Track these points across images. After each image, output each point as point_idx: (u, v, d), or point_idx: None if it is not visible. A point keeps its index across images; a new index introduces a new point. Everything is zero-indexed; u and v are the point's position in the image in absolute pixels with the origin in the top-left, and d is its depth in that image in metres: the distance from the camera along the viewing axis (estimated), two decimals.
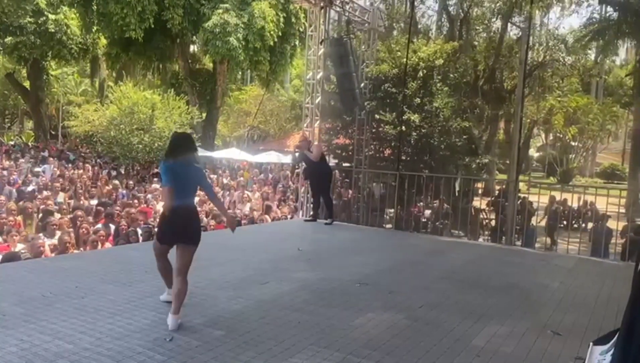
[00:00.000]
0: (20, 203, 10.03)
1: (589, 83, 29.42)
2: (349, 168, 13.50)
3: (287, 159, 23.42)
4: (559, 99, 21.90)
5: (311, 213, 10.47)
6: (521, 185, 12.71)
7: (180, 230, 4.16)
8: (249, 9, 21.14)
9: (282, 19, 22.18)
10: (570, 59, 19.29)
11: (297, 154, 10.45)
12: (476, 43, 17.93)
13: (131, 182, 15.46)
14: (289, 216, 12.74)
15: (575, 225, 15.08)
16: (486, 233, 12.68)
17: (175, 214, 4.12)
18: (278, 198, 15.58)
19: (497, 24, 18.05)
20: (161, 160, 4.36)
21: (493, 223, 13.05)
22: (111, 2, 19.97)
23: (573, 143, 35.22)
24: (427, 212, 12.65)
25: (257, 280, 5.53)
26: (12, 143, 30.78)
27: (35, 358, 3.39)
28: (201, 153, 23.61)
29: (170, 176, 4.12)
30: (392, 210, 11.56)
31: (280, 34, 22.26)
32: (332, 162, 13.78)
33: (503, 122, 21.18)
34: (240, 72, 27.78)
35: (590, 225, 13.04)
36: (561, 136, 34.22)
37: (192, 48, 27.57)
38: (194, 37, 23.76)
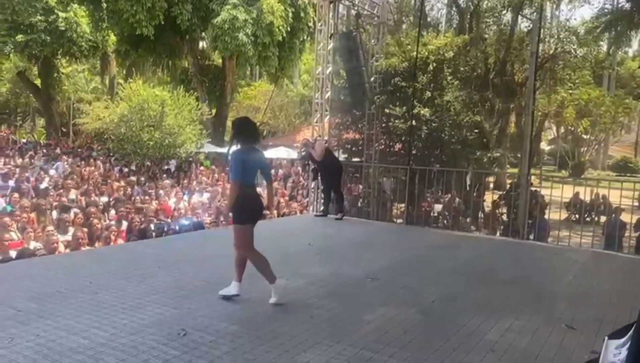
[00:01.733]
0: (34, 200, 10.13)
1: (601, 75, 29.09)
2: (359, 162, 13.46)
3: (297, 155, 23.44)
4: (570, 91, 21.61)
5: (322, 208, 10.46)
6: (533, 178, 12.62)
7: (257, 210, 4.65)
8: (258, 4, 21.11)
9: (290, 14, 22.14)
10: (582, 51, 19.05)
11: (303, 153, 10.45)
12: (486, 36, 17.76)
13: (142, 178, 15.55)
14: (299, 212, 12.76)
15: (588, 219, 14.95)
16: (498, 227, 12.61)
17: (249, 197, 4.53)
18: (288, 193, 15.61)
19: (508, 16, 17.86)
20: (231, 150, 4.58)
21: (505, 217, 12.97)
22: None
23: (585, 136, 34.87)
24: (438, 206, 12.61)
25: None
26: (24, 140, 31.05)
27: (51, 353, 3.43)
28: (211, 148, 23.75)
29: (242, 165, 4.46)
30: (403, 205, 11.53)
31: (289, 29, 22.22)
32: (342, 157, 13.76)
33: (514, 115, 20.98)
34: (249, 68, 27.81)
35: (603, 219, 12.93)
36: (573, 129, 33.90)
37: (201, 44, 27.61)
38: (203, 33, 23.78)
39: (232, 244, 4.64)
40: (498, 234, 11.62)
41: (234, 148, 4.56)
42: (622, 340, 3.12)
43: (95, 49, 28.26)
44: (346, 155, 14.40)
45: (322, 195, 10.50)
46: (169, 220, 9.91)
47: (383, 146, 13.85)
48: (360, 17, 12.12)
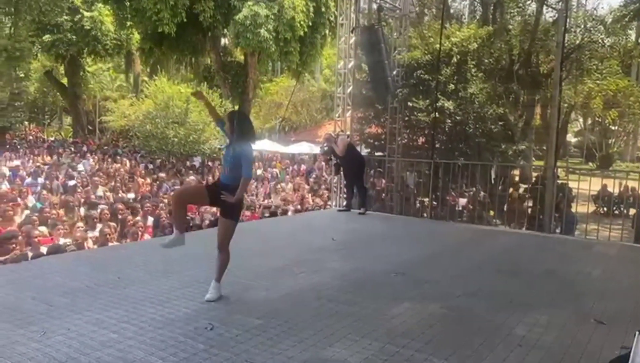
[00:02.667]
0: (62, 196, 10.34)
1: (630, 65, 28.37)
2: (381, 157, 13.40)
3: (320, 149, 23.45)
4: (597, 82, 21.13)
5: (344, 203, 10.46)
6: (559, 171, 12.40)
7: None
8: (279, 0, 21.14)
9: (312, 9, 22.13)
10: (610, 40, 18.64)
11: (325, 148, 10.43)
12: (511, 27, 17.48)
13: (163, 175, 15.71)
14: (322, 207, 12.77)
15: (617, 212, 14.67)
16: (524, 220, 12.44)
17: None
18: (310, 188, 15.64)
19: (533, 6, 17.55)
20: (249, 145, 4.53)
21: (530, 210, 12.79)
22: None
23: (613, 127, 34.12)
24: (462, 200, 12.49)
25: (292, 270, 5.57)
26: (52, 138, 31.70)
27: (82, 346, 3.50)
28: None
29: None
30: (427, 199, 11.46)
31: (310, 24, 22.22)
32: (364, 151, 13.71)
33: (540, 107, 20.66)
34: (270, 64, 27.90)
35: (632, 211, 12.67)
36: (600, 120, 33.18)
37: (224, 41, 27.79)
38: (225, 30, 23.92)
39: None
40: (523, 227, 11.47)
41: (244, 142, 4.47)
42: None
43: (120, 47, 28.72)
44: (369, 149, 14.33)
45: (345, 190, 10.49)
46: (194, 216, 10.01)
47: (406, 140, 13.75)
48: (382, 11, 12.03)
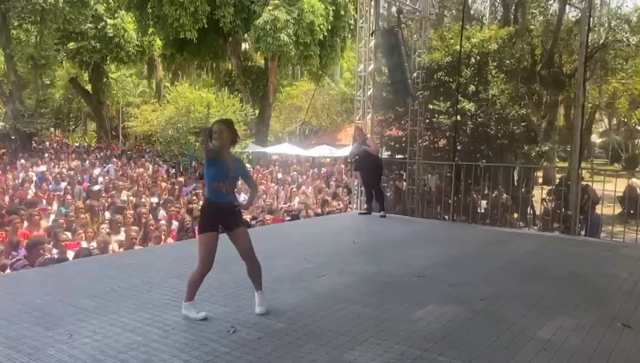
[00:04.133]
0: (88, 201, 10.51)
1: None
2: (402, 159, 13.34)
3: (340, 152, 23.45)
4: (622, 81, 20.79)
5: (365, 206, 10.43)
6: (584, 172, 12.22)
7: None
8: (299, 4, 21.24)
9: (331, 12, 22.17)
10: (635, 39, 18.30)
11: (356, 148, 10.25)
12: (532, 27, 17.29)
13: (181, 179, 15.87)
14: (342, 210, 12.76)
15: None
16: (548, 223, 12.28)
17: None
18: (331, 191, 15.64)
19: (555, 6, 17.36)
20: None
21: (555, 212, 12.62)
22: (166, 4, 20.53)
23: (639, 127, 33.49)
24: (484, 202, 12.36)
25: (314, 273, 5.58)
26: (77, 144, 32.27)
27: (108, 349, 3.56)
28: (254, 148, 24.05)
29: None
30: (449, 201, 11.37)
31: (329, 27, 22.27)
32: (385, 154, 13.67)
33: (563, 107, 20.37)
34: (291, 68, 28.02)
35: None
36: (626, 120, 32.64)
37: (244, 46, 28.01)
38: (245, 35, 24.10)
39: (244, 253, 4.41)
40: (547, 230, 11.31)
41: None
42: None
43: (142, 54, 29.15)
44: (390, 152, 14.29)
45: (364, 193, 10.45)
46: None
47: (427, 143, 13.67)
48: (402, 13, 12.00)
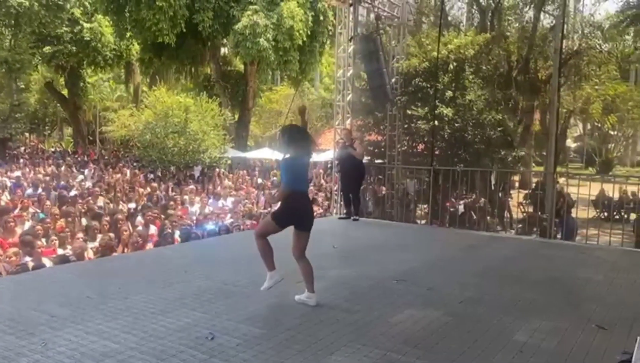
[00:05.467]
0: (64, 207, 10.34)
1: (628, 70, 28.48)
2: (382, 164, 13.42)
3: (319, 157, 23.46)
4: (596, 87, 21.21)
5: (344, 210, 10.44)
6: (559, 177, 12.40)
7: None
8: (278, 9, 21.25)
9: (310, 18, 22.22)
10: (607, 45, 18.74)
11: (341, 150, 10.26)
12: (508, 33, 17.57)
13: (163, 185, 15.73)
14: (321, 215, 12.76)
15: (617, 216, 14.66)
16: (525, 226, 12.45)
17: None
18: (311, 197, 15.64)
19: (530, 13, 17.67)
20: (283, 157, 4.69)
21: (531, 216, 12.80)
22: (143, 8, 20.36)
23: (612, 132, 34.21)
24: (463, 207, 12.48)
25: (293, 278, 5.54)
26: (52, 149, 31.76)
27: (84, 357, 3.50)
28: (234, 153, 23.94)
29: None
30: (427, 206, 11.46)
31: (309, 33, 22.31)
32: (364, 159, 13.73)
33: (539, 113, 20.70)
34: (270, 73, 27.98)
35: (633, 216, 12.67)
36: (599, 125, 33.24)
37: (223, 50, 27.90)
38: (225, 39, 24.02)
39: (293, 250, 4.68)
40: (523, 233, 11.47)
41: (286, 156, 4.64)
42: None
43: (120, 58, 28.80)
44: (369, 157, 14.37)
45: (342, 197, 10.43)
46: (192, 224, 10.02)
47: (406, 148, 13.78)
48: (380, 19, 12.10)
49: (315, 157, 23.99)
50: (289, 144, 4.60)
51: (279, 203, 4.61)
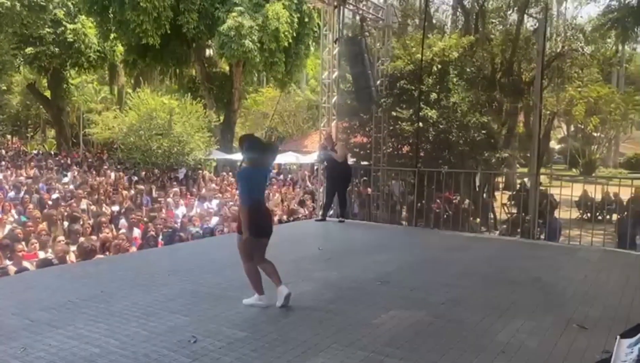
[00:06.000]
0: (45, 210, 10.22)
1: (610, 72, 28.89)
2: (367, 166, 13.45)
3: (306, 159, 23.47)
4: (579, 89, 21.49)
5: (321, 212, 10.38)
6: (543, 178, 12.54)
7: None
8: (263, 11, 21.21)
9: (296, 20, 22.20)
10: (589, 48, 18.96)
11: (322, 153, 10.29)
12: (492, 36, 17.72)
13: (147, 187, 15.61)
14: (307, 217, 12.75)
15: (600, 217, 14.83)
16: (509, 227, 12.55)
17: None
18: (298, 199, 15.62)
19: (514, 16, 17.83)
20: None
21: (515, 217, 12.91)
22: (127, 9, 20.19)
23: (595, 134, 34.62)
24: (447, 208, 12.54)
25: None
26: (35, 152, 31.37)
27: (63, 362, 3.46)
28: (220, 155, 23.85)
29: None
30: (412, 207, 11.51)
31: (294, 34, 22.29)
32: (350, 161, 13.76)
33: (522, 115, 20.92)
34: (256, 74, 27.90)
35: (615, 217, 12.82)
36: (582, 127, 33.66)
37: (208, 52, 27.76)
38: (210, 40, 23.91)
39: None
40: (507, 234, 11.56)
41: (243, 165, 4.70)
42: (634, 339, 3.10)
43: (104, 60, 28.55)
44: (354, 159, 14.39)
45: (325, 198, 10.41)
46: (177, 227, 9.96)
47: (391, 149, 13.83)
48: (365, 21, 12.14)
49: (302, 159, 24.06)
50: (247, 153, 4.66)
51: (245, 218, 4.57)
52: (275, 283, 4.65)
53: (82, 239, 7.97)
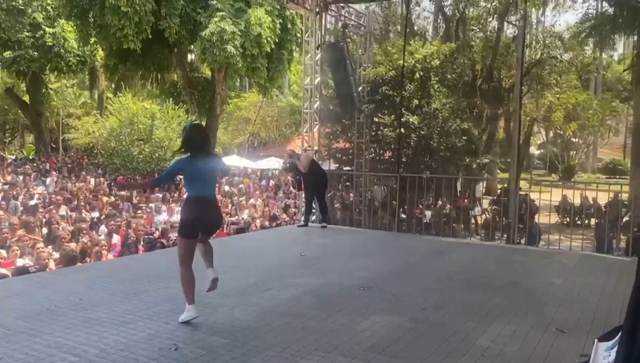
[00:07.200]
0: (23, 217, 10.06)
1: (588, 79, 29.36)
2: (349, 171, 13.49)
3: (281, 165, 23.44)
4: (557, 96, 21.83)
5: (303, 217, 10.39)
6: (523, 183, 12.67)
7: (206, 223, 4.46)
8: (246, 17, 21.17)
9: (278, 26, 22.20)
10: (568, 55, 19.30)
11: (288, 164, 10.39)
12: (473, 43, 17.94)
13: (132, 193, 15.45)
14: (288, 223, 12.73)
15: (579, 222, 15.05)
16: (489, 232, 12.67)
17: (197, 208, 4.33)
18: (280, 204, 15.60)
19: (493, 23, 18.09)
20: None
21: (495, 222, 13.03)
22: (108, 13, 19.99)
23: (574, 139, 35.16)
24: (429, 213, 12.63)
25: (260, 287, 5.53)
26: (13, 157, 30.87)
27: None
28: None
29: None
30: (394, 212, 11.56)
31: (277, 40, 22.27)
32: (332, 166, 13.79)
33: (502, 121, 21.18)
34: (238, 80, 27.78)
35: (593, 221, 13.02)
36: (561, 132, 34.15)
37: (190, 57, 27.63)
38: (192, 46, 23.78)
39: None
40: (488, 239, 11.66)
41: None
42: (612, 342, 3.15)
43: (84, 64, 28.19)
44: (337, 164, 14.43)
45: (304, 205, 10.43)
46: (155, 232, 9.87)
47: (373, 155, 13.90)
48: (347, 28, 12.20)
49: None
50: (186, 143, 4.44)
51: (181, 214, 4.39)
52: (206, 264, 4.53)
53: (61, 246, 7.86)
